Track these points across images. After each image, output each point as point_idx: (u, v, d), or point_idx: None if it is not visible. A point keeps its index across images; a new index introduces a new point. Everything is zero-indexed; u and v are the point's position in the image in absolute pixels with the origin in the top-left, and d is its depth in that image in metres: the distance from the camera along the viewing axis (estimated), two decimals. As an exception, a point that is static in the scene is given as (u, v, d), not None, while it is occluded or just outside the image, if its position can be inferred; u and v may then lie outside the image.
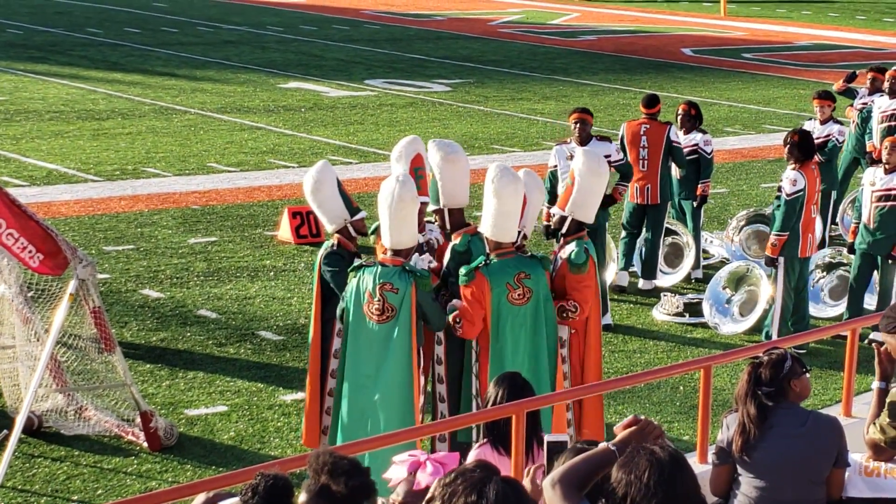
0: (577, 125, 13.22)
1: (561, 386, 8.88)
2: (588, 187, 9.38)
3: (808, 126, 15.91)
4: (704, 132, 14.73)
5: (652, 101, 14.46)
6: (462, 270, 8.64)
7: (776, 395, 6.52)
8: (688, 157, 14.49)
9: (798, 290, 12.53)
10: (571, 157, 12.97)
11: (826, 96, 15.77)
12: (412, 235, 8.55)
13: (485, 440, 6.83)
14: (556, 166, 13.35)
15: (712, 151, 14.71)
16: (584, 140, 13.15)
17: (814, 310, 13.62)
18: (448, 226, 9.23)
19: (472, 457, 6.70)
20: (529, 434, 6.68)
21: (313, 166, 9.23)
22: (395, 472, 4.84)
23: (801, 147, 12.26)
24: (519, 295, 8.59)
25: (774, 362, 6.56)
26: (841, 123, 15.79)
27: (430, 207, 9.26)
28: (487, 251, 8.74)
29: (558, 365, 8.91)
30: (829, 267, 13.93)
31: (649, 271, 14.32)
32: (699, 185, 14.53)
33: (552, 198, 12.30)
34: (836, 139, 15.42)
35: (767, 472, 6.50)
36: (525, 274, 8.61)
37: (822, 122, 15.51)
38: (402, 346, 8.41)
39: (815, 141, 15.38)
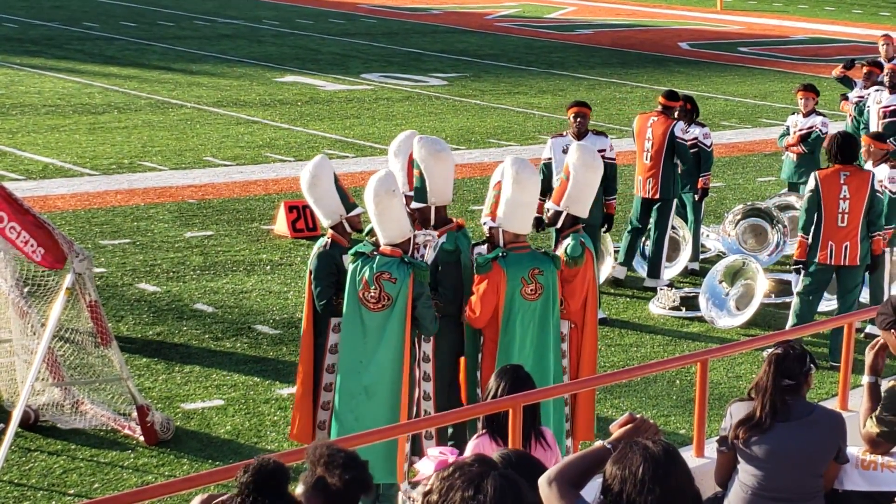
0: (578, 119, 13.19)
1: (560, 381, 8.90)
2: (583, 181, 9.39)
3: (791, 119, 15.95)
4: (703, 125, 14.75)
5: (672, 95, 14.48)
6: (479, 260, 8.69)
7: (796, 388, 6.52)
8: None
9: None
10: (566, 150, 12.96)
11: (810, 88, 15.85)
12: (402, 228, 8.56)
13: (483, 431, 6.83)
14: (550, 158, 13.28)
15: (712, 144, 14.74)
16: (581, 134, 13.12)
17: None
18: (433, 223, 9.19)
19: (470, 448, 6.70)
20: (528, 427, 6.69)
21: (310, 161, 9.22)
22: (424, 467, 4.82)
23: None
24: (531, 290, 8.62)
25: (800, 356, 6.53)
26: (824, 115, 15.87)
27: (413, 205, 9.18)
28: (502, 244, 8.73)
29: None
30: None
31: (654, 270, 14.28)
32: (700, 178, 14.55)
33: (545, 190, 12.27)
34: (820, 130, 15.52)
35: (766, 462, 6.51)
36: (538, 270, 8.65)
37: (806, 115, 15.61)
38: (396, 335, 8.46)
39: (799, 132, 15.49)
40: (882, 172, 12.63)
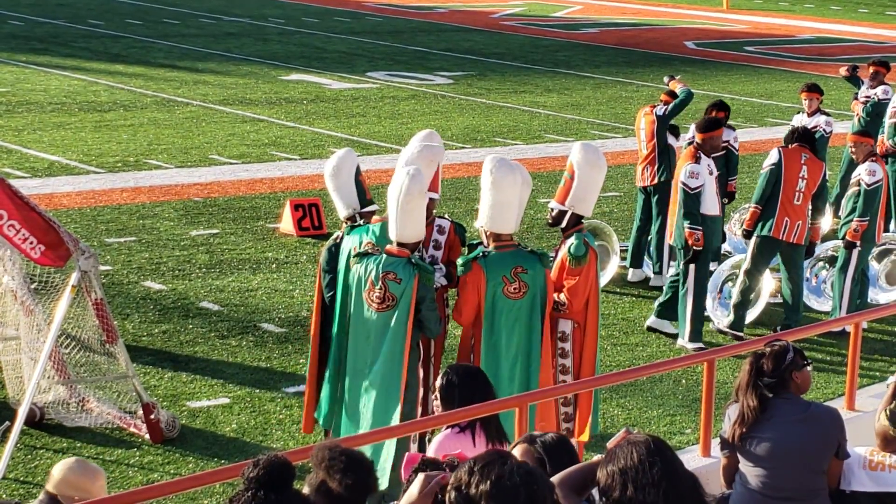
0: (716, 140, 12.83)
1: (550, 382, 8.85)
2: (587, 180, 9.37)
3: (796, 118, 15.99)
4: (733, 129, 14.62)
5: (671, 94, 14.56)
6: (459, 261, 8.70)
7: (777, 386, 6.58)
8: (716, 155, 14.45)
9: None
10: (712, 171, 12.65)
11: (814, 89, 15.93)
12: (418, 231, 8.55)
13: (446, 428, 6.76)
14: (701, 186, 12.31)
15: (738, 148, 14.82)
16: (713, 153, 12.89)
17: (816, 303, 13.67)
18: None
19: (435, 443, 6.62)
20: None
21: (338, 150, 9.37)
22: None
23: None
24: (515, 289, 8.59)
25: (777, 353, 6.62)
26: (828, 115, 15.91)
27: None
28: (486, 243, 8.77)
29: (553, 358, 8.90)
30: (832, 260, 13.91)
31: (659, 264, 14.23)
32: (729, 182, 14.50)
33: (692, 219, 12.18)
34: (824, 130, 15.62)
35: (767, 461, 6.54)
36: (522, 268, 8.61)
37: (810, 115, 15.68)
38: (398, 336, 8.44)
39: None
40: (862, 166, 12.74)
